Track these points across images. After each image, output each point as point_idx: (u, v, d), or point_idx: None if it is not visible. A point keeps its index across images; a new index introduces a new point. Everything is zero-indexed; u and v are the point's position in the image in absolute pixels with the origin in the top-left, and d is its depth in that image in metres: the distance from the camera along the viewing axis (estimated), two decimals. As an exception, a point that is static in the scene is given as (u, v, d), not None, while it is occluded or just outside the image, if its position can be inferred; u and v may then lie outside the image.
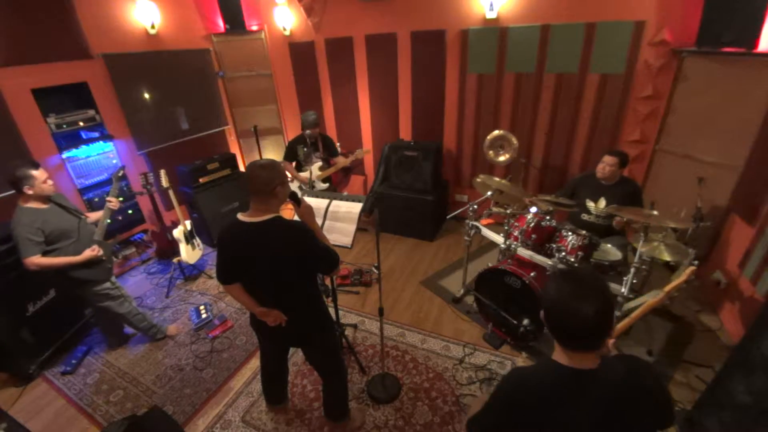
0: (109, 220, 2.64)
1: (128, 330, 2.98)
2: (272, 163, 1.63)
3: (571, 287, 0.96)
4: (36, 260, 2.23)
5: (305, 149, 3.74)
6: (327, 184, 3.86)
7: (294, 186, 3.84)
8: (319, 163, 3.80)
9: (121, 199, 2.71)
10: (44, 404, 2.50)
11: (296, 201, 1.77)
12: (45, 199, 2.36)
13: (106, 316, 2.75)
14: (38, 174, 2.25)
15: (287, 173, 3.66)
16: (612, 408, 0.96)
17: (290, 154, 3.80)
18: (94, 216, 2.68)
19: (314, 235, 1.68)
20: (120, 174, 2.79)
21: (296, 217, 1.83)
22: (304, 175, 3.78)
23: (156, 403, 2.38)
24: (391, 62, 4.14)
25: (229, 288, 1.75)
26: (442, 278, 3.55)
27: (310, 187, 3.76)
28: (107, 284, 2.61)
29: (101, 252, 2.47)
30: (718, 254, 3.01)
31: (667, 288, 1.53)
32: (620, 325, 1.50)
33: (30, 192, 2.25)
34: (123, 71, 3.58)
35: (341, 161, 3.82)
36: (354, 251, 4.00)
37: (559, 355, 1.01)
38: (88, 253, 2.41)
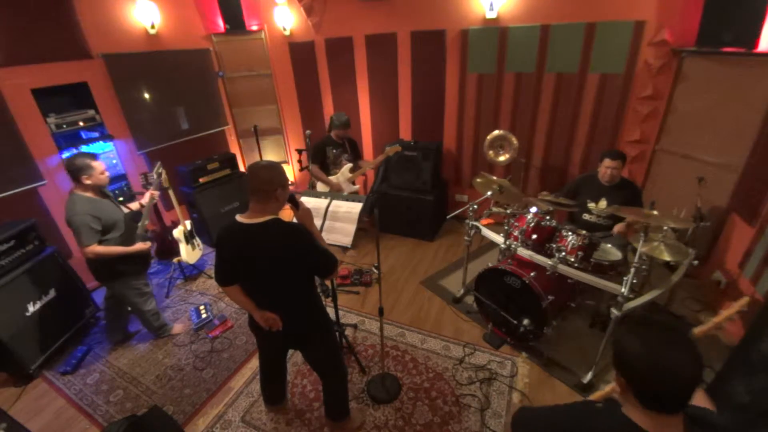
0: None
1: (132, 327, 3.01)
2: (275, 165, 1.62)
3: (661, 341, 0.84)
4: (96, 248, 2.34)
5: (334, 151, 3.69)
6: (357, 186, 3.78)
7: (320, 190, 3.76)
8: (349, 165, 3.72)
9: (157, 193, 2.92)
10: (44, 404, 2.50)
11: (295, 204, 1.77)
12: (98, 190, 2.46)
13: (120, 311, 2.84)
14: (97, 165, 2.37)
15: (318, 177, 3.66)
16: None
17: (319, 155, 3.67)
18: (132, 207, 2.78)
19: (313, 237, 1.68)
20: (160, 170, 2.96)
21: (294, 220, 1.83)
22: (334, 179, 3.68)
23: (156, 403, 2.38)
24: (391, 62, 4.14)
25: (227, 290, 1.75)
26: (442, 278, 3.55)
27: (311, 187, 3.74)
28: (143, 279, 2.71)
29: (150, 245, 2.62)
30: (718, 254, 3.01)
31: (717, 319, 1.43)
32: None
33: (88, 182, 2.35)
34: (123, 71, 3.58)
35: (370, 162, 3.66)
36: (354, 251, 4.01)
37: (636, 415, 0.87)
38: (140, 245, 2.55)
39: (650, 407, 0.85)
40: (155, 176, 2.93)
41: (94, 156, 2.40)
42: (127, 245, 2.52)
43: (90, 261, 2.44)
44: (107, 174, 2.47)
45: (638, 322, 0.90)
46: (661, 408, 0.85)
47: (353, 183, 3.78)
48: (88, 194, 2.39)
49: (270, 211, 1.61)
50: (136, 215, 2.73)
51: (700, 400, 1.09)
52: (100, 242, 2.39)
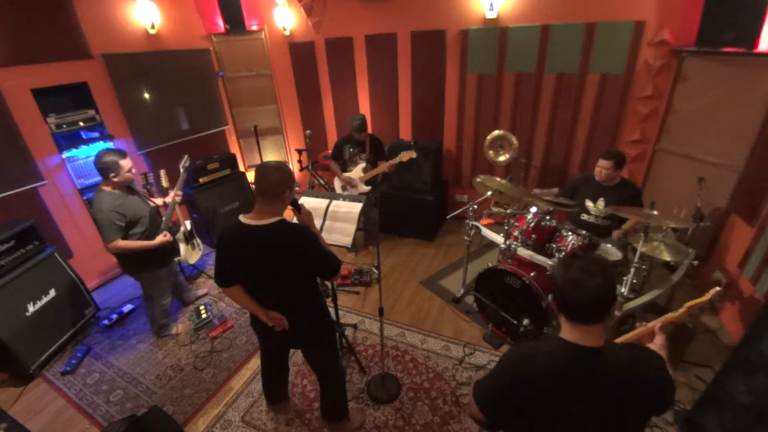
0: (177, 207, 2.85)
1: (174, 316, 3.13)
2: (285, 167, 1.62)
3: (578, 264, 1.06)
4: (118, 244, 2.41)
5: (351, 149, 3.69)
6: (370, 187, 3.75)
7: (337, 185, 3.80)
8: (363, 165, 3.69)
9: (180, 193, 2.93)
10: (44, 404, 2.50)
11: (297, 208, 1.77)
12: (125, 187, 2.52)
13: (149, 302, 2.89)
14: (125, 163, 2.42)
15: (334, 172, 3.68)
16: (614, 390, 1.02)
17: (337, 153, 3.74)
18: (157, 202, 2.83)
19: (317, 239, 1.68)
20: (186, 164, 2.99)
21: (295, 221, 1.83)
22: (347, 174, 3.70)
23: (156, 403, 2.38)
24: (391, 62, 4.14)
25: (228, 291, 1.74)
26: (442, 278, 3.55)
27: (311, 187, 3.74)
28: (165, 272, 2.79)
29: (171, 237, 2.67)
30: (718, 254, 3.01)
31: (689, 304, 1.48)
32: (633, 334, 1.49)
33: (116, 179, 2.41)
34: (123, 71, 3.58)
35: (385, 165, 3.59)
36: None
37: (566, 333, 1.08)
38: (161, 238, 2.60)
39: (571, 318, 1.07)
40: (181, 170, 2.97)
41: (123, 153, 2.45)
42: (150, 239, 2.58)
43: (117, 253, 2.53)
44: (134, 171, 2.53)
45: (569, 256, 1.13)
46: (578, 318, 1.05)
47: (366, 183, 3.73)
48: (115, 191, 2.46)
49: (276, 213, 1.61)
50: (158, 210, 2.79)
51: (659, 346, 1.29)
52: (125, 237, 2.47)
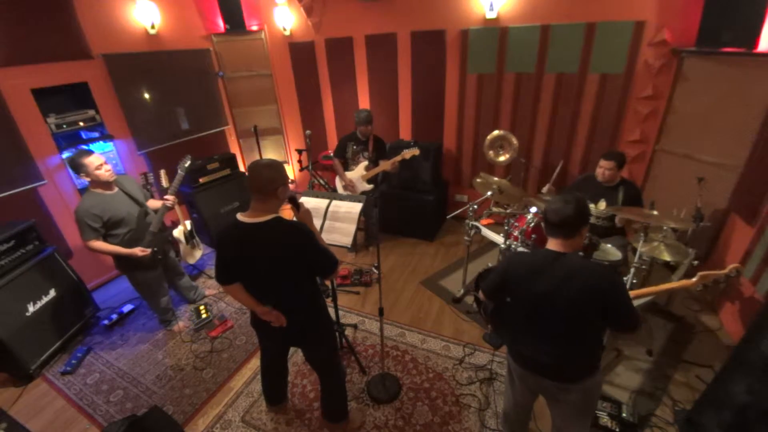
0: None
1: (177, 303, 3.21)
2: (276, 163, 1.63)
3: (561, 197, 1.45)
4: (93, 244, 2.39)
5: (355, 147, 3.67)
6: (372, 186, 3.73)
7: (338, 185, 3.77)
8: (365, 163, 3.67)
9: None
10: (44, 404, 2.50)
11: (295, 205, 1.77)
12: (108, 185, 2.46)
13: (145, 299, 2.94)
14: (90, 162, 2.34)
15: (336, 171, 3.69)
16: (564, 276, 1.40)
17: (340, 150, 3.71)
18: (154, 204, 2.76)
19: (314, 236, 1.68)
20: (186, 164, 2.86)
21: (294, 219, 1.84)
22: (350, 175, 3.68)
23: (156, 403, 2.38)
24: (391, 62, 4.14)
25: (228, 288, 1.75)
26: (442, 278, 3.55)
27: (311, 187, 3.73)
28: (154, 276, 2.76)
29: (149, 252, 2.57)
30: (718, 254, 3.01)
31: (702, 273, 1.65)
32: (644, 290, 1.74)
33: (87, 179, 2.38)
34: (123, 71, 3.58)
35: (387, 163, 3.57)
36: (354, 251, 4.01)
37: (549, 244, 1.49)
38: (137, 251, 2.52)
39: (549, 234, 1.48)
40: (179, 171, 2.84)
41: (89, 152, 2.38)
42: (135, 242, 2.54)
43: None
44: (107, 168, 2.41)
45: (566, 194, 1.47)
46: (554, 233, 1.46)
47: (368, 182, 3.71)
48: (97, 190, 2.43)
49: (271, 210, 1.61)
50: (147, 212, 2.69)
51: None
52: (107, 237, 2.45)
